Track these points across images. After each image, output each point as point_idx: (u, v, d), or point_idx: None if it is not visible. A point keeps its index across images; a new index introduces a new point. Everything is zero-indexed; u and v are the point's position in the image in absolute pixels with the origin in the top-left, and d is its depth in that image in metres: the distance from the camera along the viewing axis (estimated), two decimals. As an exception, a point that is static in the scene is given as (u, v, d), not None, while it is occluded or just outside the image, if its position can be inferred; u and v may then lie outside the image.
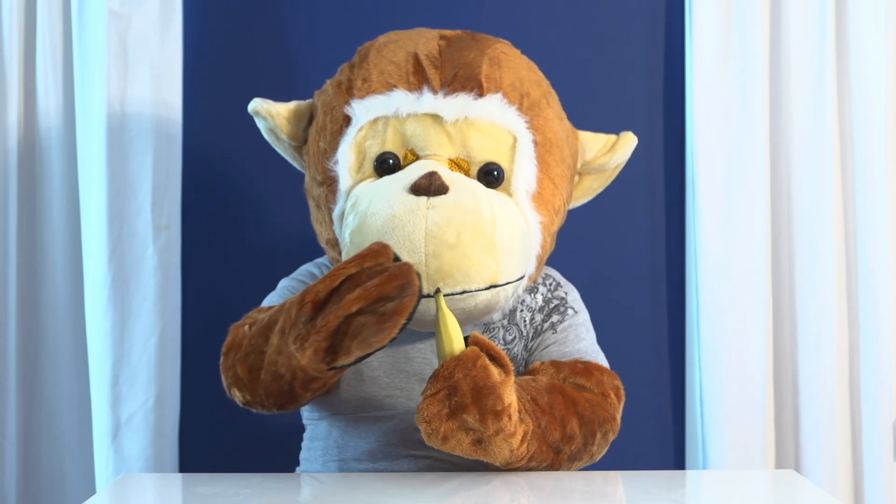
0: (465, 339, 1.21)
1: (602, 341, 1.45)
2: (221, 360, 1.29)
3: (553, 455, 1.26)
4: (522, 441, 1.20)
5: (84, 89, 1.79)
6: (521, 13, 1.91)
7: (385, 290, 1.13)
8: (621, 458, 1.62)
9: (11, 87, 1.81)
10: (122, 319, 1.78)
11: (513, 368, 1.20)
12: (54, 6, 1.81)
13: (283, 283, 1.46)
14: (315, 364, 1.17)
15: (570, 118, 1.47)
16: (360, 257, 1.17)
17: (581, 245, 1.87)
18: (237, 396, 1.28)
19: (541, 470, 1.27)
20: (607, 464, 1.42)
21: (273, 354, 1.20)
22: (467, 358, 1.16)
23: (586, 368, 1.35)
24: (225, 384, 1.29)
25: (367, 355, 1.16)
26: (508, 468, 1.25)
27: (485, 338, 1.21)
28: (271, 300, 1.42)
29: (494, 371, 1.17)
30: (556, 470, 1.28)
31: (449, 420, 1.16)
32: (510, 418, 1.17)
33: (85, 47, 1.78)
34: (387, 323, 1.13)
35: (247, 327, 1.27)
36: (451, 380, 1.16)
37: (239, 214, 1.90)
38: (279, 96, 1.53)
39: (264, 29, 1.90)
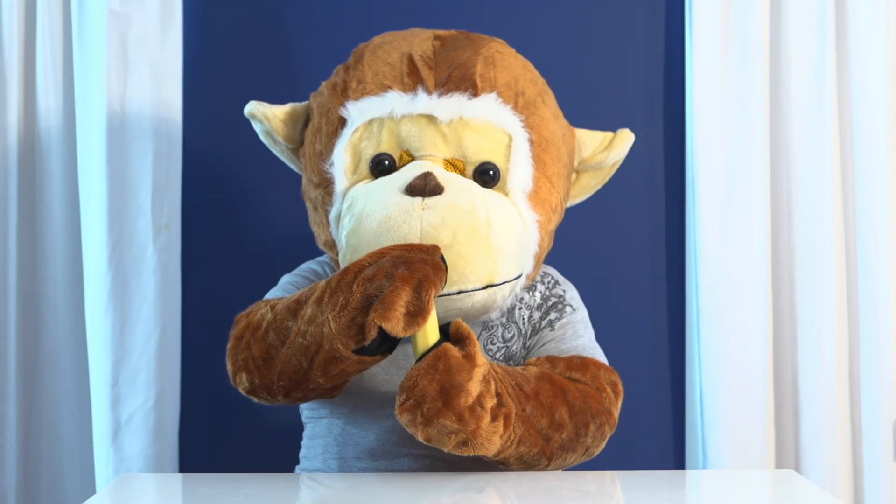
0: (448, 325, 1.20)
1: (602, 341, 1.45)
2: (230, 344, 1.29)
3: (542, 442, 1.25)
4: (507, 426, 1.19)
5: (84, 89, 1.79)
6: (522, 13, 1.91)
7: (432, 276, 1.15)
8: (621, 457, 1.62)
9: (11, 87, 1.81)
10: (122, 319, 1.78)
11: (479, 356, 1.18)
12: (54, 6, 1.81)
13: (286, 279, 1.47)
14: (345, 336, 1.16)
15: (569, 118, 1.47)
16: (408, 246, 1.18)
17: (581, 245, 1.87)
18: (243, 382, 1.27)
19: (532, 457, 1.26)
20: (607, 463, 1.42)
21: (303, 325, 1.20)
22: (427, 364, 1.15)
23: (582, 363, 1.35)
24: (231, 370, 1.29)
25: (393, 342, 1.19)
26: (500, 457, 1.24)
27: (465, 326, 1.19)
28: (274, 294, 1.42)
29: (458, 363, 1.15)
30: (549, 459, 1.27)
31: (427, 427, 1.15)
32: (483, 408, 1.16)
33: (85, 47, 1.78)
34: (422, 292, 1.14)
35: (267, 309, 1.27)
36: (415, 389, 1.15)
37: (239, 214, 1.90)
38: (279, 96, 1.53)
39: (264, 29, 1.90)
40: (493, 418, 1.17)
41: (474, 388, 1.16)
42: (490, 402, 1.17)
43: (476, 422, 1.16)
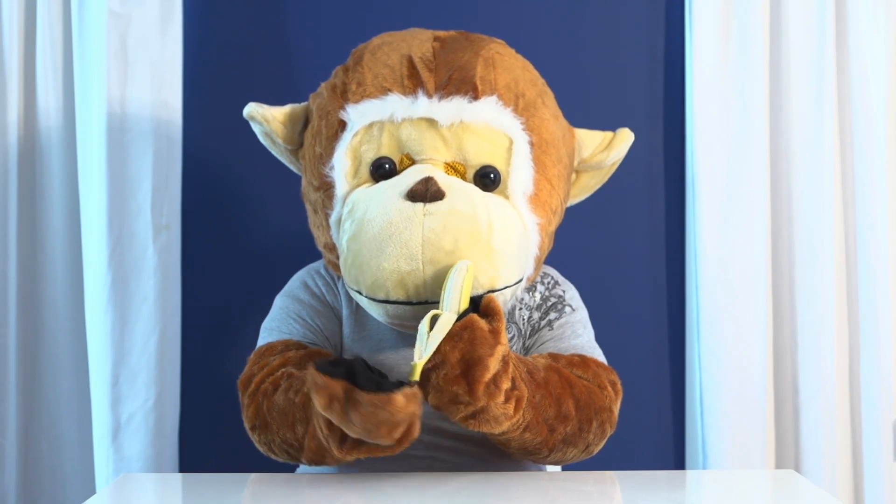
0: (480, 297, 1.20)
1: (602, 341, 1.45)
2: (249, 431, 1.32)
3: (547, 432, 1.25)
4: (517, 409, 1.19)
5: (84, 89, 1.79)
6: (522, 13, 1.91)
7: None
8: (621, 457, 1.62)
9: (11, 87, 1.81)
10: (122, 319, 1.78)
11: (503, 334, 1.17)
12: (54, 6, 1.81)
13: (279, 304, 1.44)
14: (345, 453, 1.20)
15: (569, 119, 1.47)
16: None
17: (581, 245, 1.87)
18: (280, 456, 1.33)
19: (534, 446, 1.26)
20: (607, 463, 1.42)
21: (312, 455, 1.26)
22: (454, 330, 1.15)
23: (583, 361, 1.35)
24: (263, 451, 1.33)
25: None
26: (503, 437, 1.24)
27: (496, 302, 1.18)
28: (270, 326, 1.41)
29: (483, 336, 1.14)
30: (550, 450, 1.27)
31: (439, 393, 1.15)
32: (497, 387, 1.15)
33: (85, 47, 1.78)
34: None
35: (265, 408, 1.29)
36: (436, 353, 1.14)
37: (238, 215, 1.90)
38: (279, 97, 1.53)
39: (264, 29, 1.90)
40: (506, 399, 1.17)
41: (493, 364, 1.15)
42: (505, 384, 1.17)
43: (487, 399, 1.15)
